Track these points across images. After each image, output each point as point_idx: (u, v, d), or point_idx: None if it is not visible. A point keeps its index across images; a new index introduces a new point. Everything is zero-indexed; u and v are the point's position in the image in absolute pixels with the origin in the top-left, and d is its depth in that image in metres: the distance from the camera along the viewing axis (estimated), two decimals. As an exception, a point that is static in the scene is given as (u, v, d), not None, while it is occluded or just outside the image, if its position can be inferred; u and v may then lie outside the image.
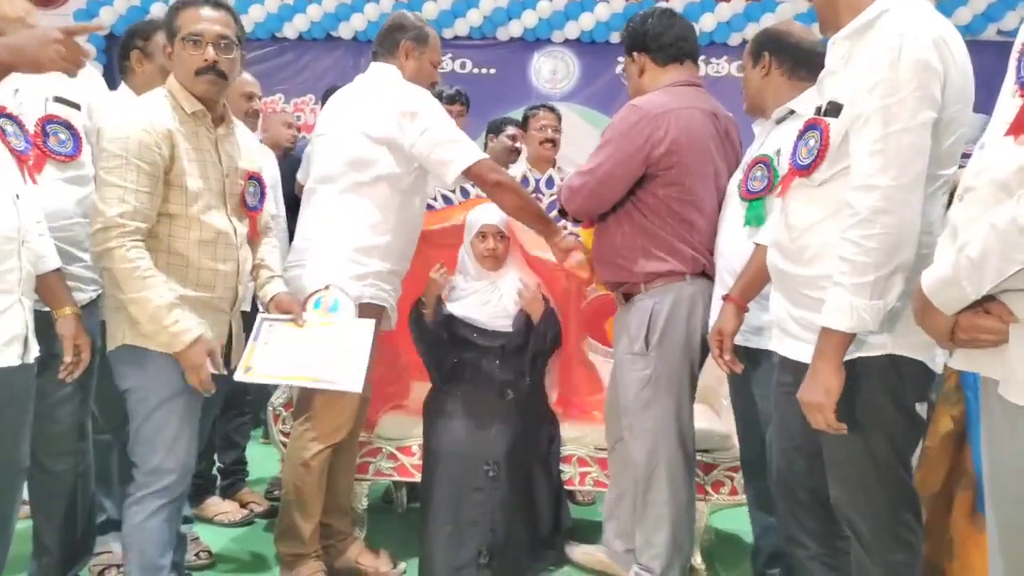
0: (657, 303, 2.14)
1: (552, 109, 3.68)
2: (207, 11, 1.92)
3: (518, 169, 3.33)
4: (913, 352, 1.45)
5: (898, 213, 1.35)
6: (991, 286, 1.10)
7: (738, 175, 2.12)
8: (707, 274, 2.17)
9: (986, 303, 1.13)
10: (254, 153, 2.16)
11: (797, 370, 1.54)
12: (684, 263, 2.14)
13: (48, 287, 1.82)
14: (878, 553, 1.53)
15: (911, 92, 1.34)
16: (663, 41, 2.19)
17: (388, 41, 2.39)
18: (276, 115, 3.88)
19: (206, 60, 1.89)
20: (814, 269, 1.51)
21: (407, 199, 2.34)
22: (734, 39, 5.57)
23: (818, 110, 1.53)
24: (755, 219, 1.99)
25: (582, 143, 5.30)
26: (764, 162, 2.00)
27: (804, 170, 1.52)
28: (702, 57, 5.20)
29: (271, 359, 2.08)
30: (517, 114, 3.92)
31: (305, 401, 2.33)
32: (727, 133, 2.22)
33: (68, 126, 1.99)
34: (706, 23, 5.39)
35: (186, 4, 1.94)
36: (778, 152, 1.96)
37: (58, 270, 1.84)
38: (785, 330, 1.62)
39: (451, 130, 2.28)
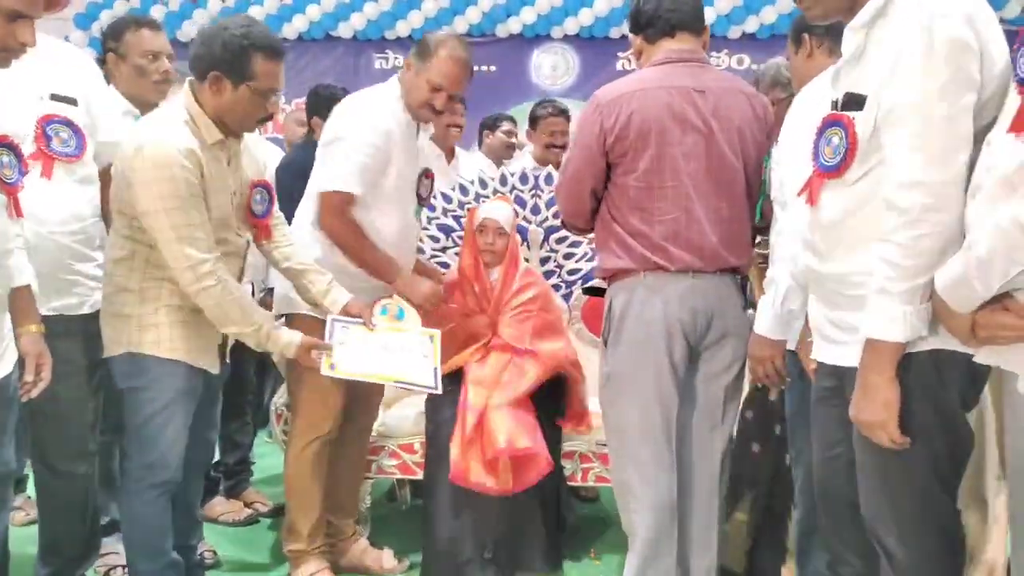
0: (614, 299, 2.03)
1: (563, 112, 3.53)
2: (281, 67, 1.94)
3: (519, 164, 3.32)
4: (959, 345, 1.29)
5: (947, 210, 1.22)
6: (999, 285, 1.09)
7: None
8: (666, 268, 1.96)
9: (1004, 300, 1.11)
10: (260, 157, 2.17)
11: (836, 375, 1.43)
12: (634, 260, 1.97)
13: (16, 301, 1.74)
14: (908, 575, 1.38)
15: (951, 76, 1.22)
16: (649, 15, 2.02)
17: (417, 49, 2.34)
18: (293, 113, 3.95)
19: (271, 112, 2.00)
20: (848, 265, 1.41)
21: (361, 215, 2.27)
22: (734, 32, 5.55)
23: (834, 104, 1.42)
24: None
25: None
26: None
27: (833, 171, 1.40)
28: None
29: (352, 358, 2.17)
30: (518, 111, 3.91)
31: (293, 396, 2.37)
32: (719, 112, 1.96)
33: (68, 123, 1.95)
34: (706, 17, 5.36)
35: (266, 52, 1.88)
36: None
37: (28, 286, 1.77)
38: (824, 335, 1.50)
39: (337, 155, 2.22)
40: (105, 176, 2.05)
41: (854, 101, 1.36)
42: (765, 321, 1.83)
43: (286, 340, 1.99)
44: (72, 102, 1.98)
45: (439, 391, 2.24)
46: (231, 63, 1.87)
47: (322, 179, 2.24)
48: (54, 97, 1.94)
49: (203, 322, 1.96)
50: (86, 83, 2.05)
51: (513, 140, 3.67)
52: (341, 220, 2.23)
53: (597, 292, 2.33)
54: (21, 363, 1.72)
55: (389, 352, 2.22)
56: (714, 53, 5.54)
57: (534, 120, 3.53)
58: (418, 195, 2.43)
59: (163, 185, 1.81)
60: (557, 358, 2.54)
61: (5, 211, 1.65)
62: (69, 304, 1.96)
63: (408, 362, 2.23)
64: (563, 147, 3.44)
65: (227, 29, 1.88)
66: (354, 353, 2.17)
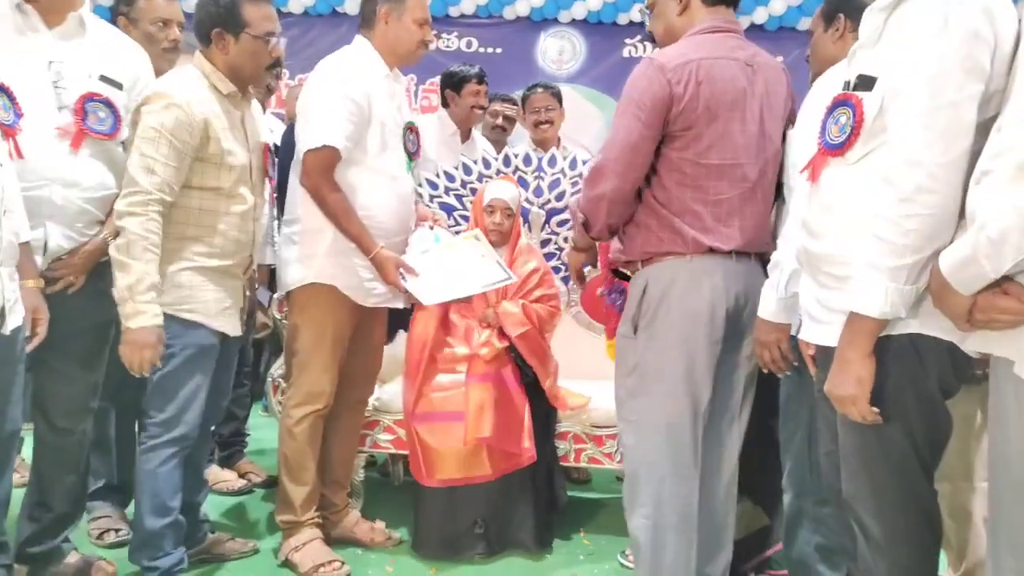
0: (650, 282, 1.89)
1: (548, 87, 3.53)
2: (269, 8, 2.08)
3: (521, 148, 3.31)
4: (941, 332, 1.31)
5: (941, 193, 1.23)
6: (1011, 265, 1.09)
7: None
8: (717, 250, 1.86)
9: (1004, 284, 1.12)
10: (265, 125, 2.28)
11: (827, 355, 1.43)
12: (681, 242, 1.85)
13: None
14: (885, 555, 1.40)
15: (959, 63, 1.23)
16: None
17: (367, 10, 2.34)
18: (295, 88, 3.92)
19: (276, 57, 2.12)
20: (839, 245, 1.42)
21: (353, 174, 2.26)
22: (742, 22, 5.52)
23: (846, 84, 1.42)
24: None
25: (587, 124, 5.31)
26: None
27: (836, 149, 1.41)
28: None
29: (431, 287, 2.31)
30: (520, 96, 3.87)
31: (288, 368, 2.39)
32: (768, 88, 1.91)
33: (109, 104, 2.03)
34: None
35: None
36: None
37: (26, 243, 1.83)
38: (812, 316, 1.50)
39: (315, 114, 2.21)
40: None
41: (866, 82, 1.37)
42: (770, 305, 1.80)
43: (152, 311, 1.92)
44: (118, 86, 2.07)
45: (515, 278, 2.43)
46: (226, 17, 2.04)
47: (303, 140, 2.23)
48: (103, 78, 2.04)
49: (226, 284, 2.09)
50: (136, 73, 2.14)
51: (499, 121, 3.55)
52: (325, 179, 2.20)
53: (622, 276, 2.23)
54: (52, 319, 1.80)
55: (454, 268, 2.35)
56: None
57: (523, 101, 3.53)
58: (406, 150, 2.40)
59: (149, 117, 1.96)
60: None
61: (4, 167, 1.69)
62: None
63: (475, 268, 2.37)
64: (550, 122, 3.44)
65: None
66: (428, 282, 2.30)
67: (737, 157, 1.84)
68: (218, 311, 2.10)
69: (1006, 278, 1.11)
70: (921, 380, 1.35)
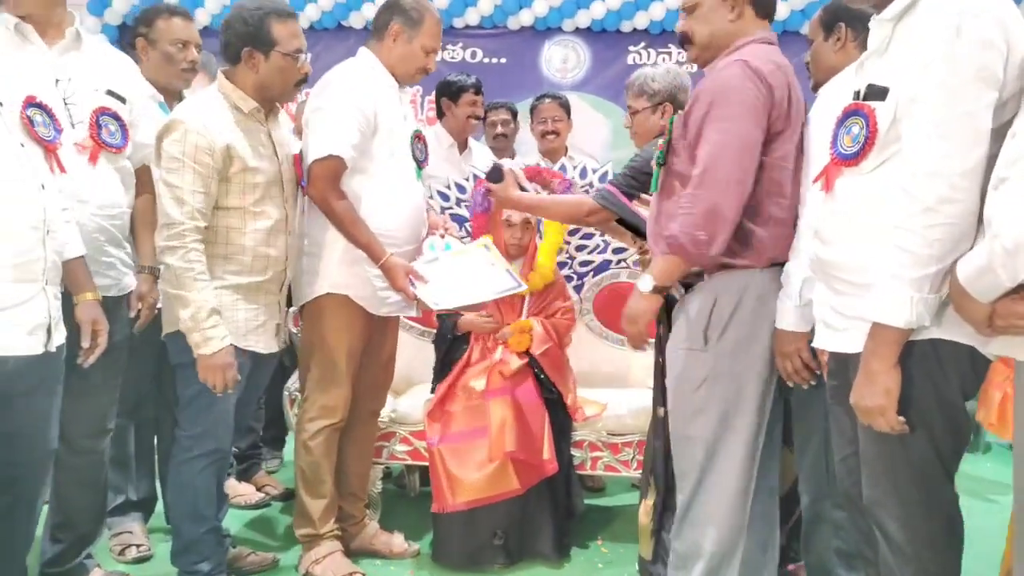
0: (722, 293, 1.82)
1: (556, 97, 3.54)
2: (297, 25, 2.12)
3: (532, 159, 3.33)
4: (961, 336, 1.31)
5: (963, 203, 1.24)
6: None
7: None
8: (776, 262, 1.84)
9: (1023, 291, 1.12)
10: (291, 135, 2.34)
11: (842, 369, 1.43)
12: (761, 251, 1.80)
13: (70, 273, 1.86)
14: (910, 561, 1.39)
15: (974, 73, 1.24)
16: None
17: (380, 21, 2.35)
18: (304, 102, 3.93)
19: (305, 73, 2.15)
20: (854, 252, 1.42)
21: (362, 183, 2.28)
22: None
23: (856, 94, 1.44)
24: None
25: (593, 132, 5.32)
26: None
27: (851, 159, 1.42)
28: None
29: (441, 293, 2.30)
30: (528, 104, 3.88)
31: (303, 383, 2.40)
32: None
33: (117, 118, 2.07)
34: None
35: (280, 15, 2.07)
36: None
37: (81, 257, 1.89)
38: (827, 323, 1.51)
39: (320, 125, 2.21)
40: (138, 177, 2.21)
41: (876, 92, 1.38)
42: (787, 315, 1.77)
43: (219, 335, 1.99)
44: (123, 100, 2.10)
45: (524, 287, 2.40)
46: (255, 36, 2.05)
47: (310, 151, 2.23)
48: (109, 93, 2.07)
49: (260, 301, 2.13)
50: (133, 86, 2.18)
51: (499, 130, 3.55)
52: (331, 188, 2.21)
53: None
54: (72, 338, 1.82)
55: (464, 275, 2.35)
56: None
57: (531, 111, 3.55)
58: (415, 158, 2.41)
59: (170, 148, 1.98)
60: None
61: (44, 185, 1.72)
62: (102, 285, 2.02)
63: (484, 276, 2.36)
64: (556, 133, 3.45)
65: (242, 8, 2.07)
66: (438, 288, 2.29)
67: (799, 165, 1.83)
68: (249, 330, 2.12)
69: None
70: (943, 385, 1.35)
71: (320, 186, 2.21)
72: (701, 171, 1.76)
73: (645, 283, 1.85)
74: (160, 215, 2.01)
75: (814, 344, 1.59)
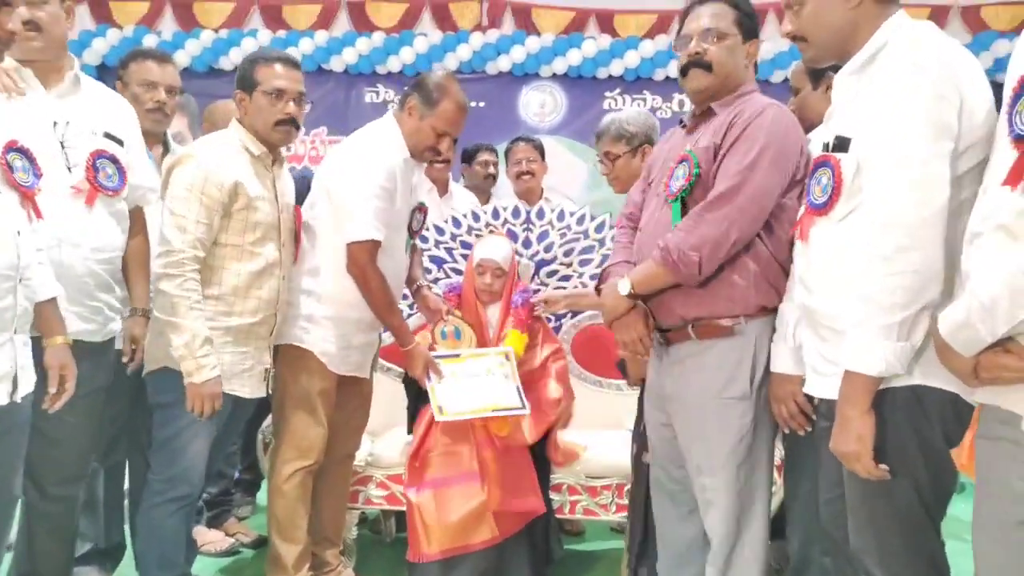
0: (760, 336, 1.79)
1: (529, 140, 3.60)
2: (286, 68, 2.18)
3: (510, 201, 3.36)
4: (943, 383, 1.32)
5: (922, 250, 1.27)
6: (1006, 329, 1.10)
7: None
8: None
9: (1007, 343, 1.13)
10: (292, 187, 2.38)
11: (830, 412, 1.44)
12: (778, 298, 1.79)
13: (41, 315, 1.80)
14: None
15: (926, 124, 1.28)
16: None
17: (406, 92, 2.39)
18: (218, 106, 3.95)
19: (288, 114, 2.16)
20: (833, 299, 1.45)
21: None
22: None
23: (825, 146, 1.48)
24: None
25: (570, 174, 5.43)
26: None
27: (821, 209, 1.47)
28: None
29: (452, 397, 2.35)
30: (504, 148, 3.95)
31: (276, 424, 2.38)
32: None
33: (114, 160, 2.08)
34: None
35: (266, 60, 2.19)
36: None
37: (54, 299, 1.83)
38: (815, 369, 1.53)
39: (358, 203, 2.24)
40: (132, 218, 2.19)
41: (841, 143, 1.43)
42: (782, 358, 1.75)
43: (211, 364, 2.02)
44: (120, 143, 2.11)
45: (527, 410, 2.38)
46: (243, 79, 2.19)
47: (348, 230, 2.24)
48: (107, 135, 2.08)
49: (250, 345, 2.14)
50: (130, 129, 2.20)
51: (491, 170, 3.68)
52: (372, 268, 2.26)
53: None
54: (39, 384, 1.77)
55: (477, 380, 2.39)
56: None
57: (506, 153, 3.61)
58: (409, 228, 2.46)
59: (180, 178, 2.06)
60: (547, 420, 2.53)
61: (19, 231, 1.69)
62: (88, 330, 2.00)
63: (495, 388, 2.39)
64: (531, 173, 3.50)
65: (243, 60, 2.23)
66: (451, 390, 2.35)
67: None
68: (233, 373, 2.12)
69: (1008, 338, 1.12)
70: (926, 431, 1.36)
71: (361, 266, 2.25)
72: (716, 196, 1.74)
73: (623, 286, 1.84)
74: (160, 242, 2.05)
75: (804, 389, 1.60)
